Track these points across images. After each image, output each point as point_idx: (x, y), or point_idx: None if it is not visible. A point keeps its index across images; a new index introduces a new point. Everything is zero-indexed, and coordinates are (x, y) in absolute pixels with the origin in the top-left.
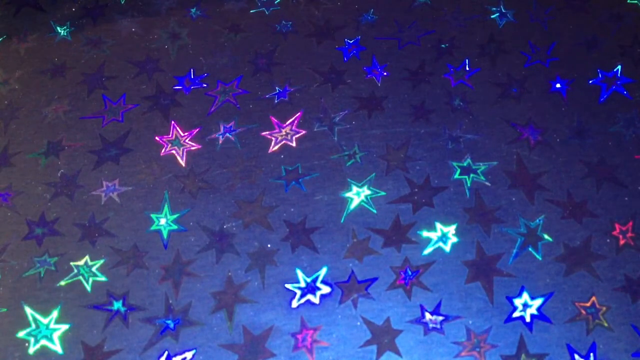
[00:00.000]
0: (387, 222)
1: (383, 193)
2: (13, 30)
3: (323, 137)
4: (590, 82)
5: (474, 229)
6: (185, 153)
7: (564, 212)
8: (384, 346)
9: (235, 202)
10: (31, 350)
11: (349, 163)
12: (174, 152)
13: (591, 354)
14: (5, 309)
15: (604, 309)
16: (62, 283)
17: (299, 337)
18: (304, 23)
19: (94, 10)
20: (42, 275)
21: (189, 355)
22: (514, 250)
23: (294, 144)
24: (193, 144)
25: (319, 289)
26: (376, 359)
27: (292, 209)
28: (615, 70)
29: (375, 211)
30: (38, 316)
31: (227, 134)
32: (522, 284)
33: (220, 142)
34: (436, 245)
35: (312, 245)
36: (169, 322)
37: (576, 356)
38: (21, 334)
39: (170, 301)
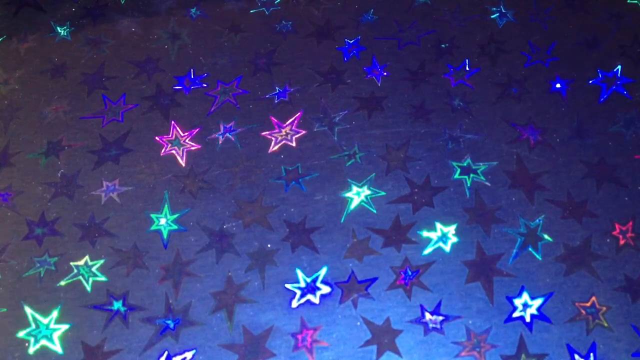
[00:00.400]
0: (387, 222)
1: (383, 193)
2: (13, 30)
3: (323, 137)
4: (590, 82)
5: (474, 229)
6: (185, 153)
7: (564, 212)
8: (384, 346)
9: (235, 202)
10: (31, 350)
11: (349, 163)
12: (174, 152)
13: (591, 354)
14: (5, 309)
15: (604, 309)
16: (62, 283)
17: (299, 337)
18: (304, 23)
19: (94, 10)
20: (42, 275)
21: (189, 355)
22: (514, 250)
23: (294, 144)
24: (193, 144)
25: (319, 289)
26: (376, 359)
27: (292, 209)
28: (615, 70)
29: (375, 211)
30: (38, 316)
31: (227, 134)
32: (522, 284)
33: (220, 142)
34: (436, 245)
35: (312, 245)
36: (169, 322)
37: (576, 356)
38: (21, 334)
39: (170, 301)
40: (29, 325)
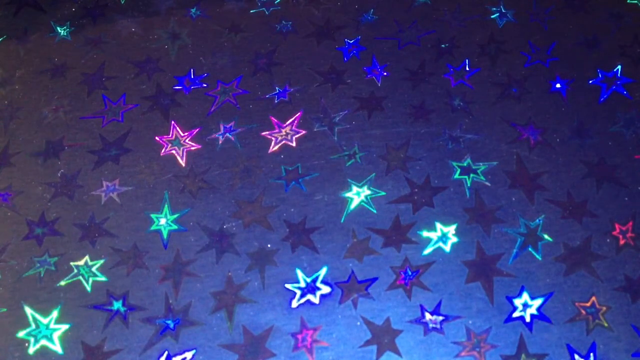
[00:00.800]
0: (387, 222)
1: (383, 193)
2: (13, 30)
3: (323, 137)
4: (590, 82)
5: (474, 229)
6: (185, 153)
7: (564, 212)
8: (384, 346)
9: (235, 202)
10: (31, 350)
11: (349, 163)
12: (174, 152)
13: (591, 354)
14: (5, 309)
15: (604, 309)
16: (62, 283)
17: (299, 337)
18: (304, 23)
19: (94, 10)
20: (42, 275)
21: (189, 355)
22: (514, 250)
23: (294, 144)
24: (193, 144)
25: (319, 289)
26: (376, 359)
27: (292, 209)
28: (615, 70)
29: (375, 211)
30: (38, 316)
31: (227, 134)
32: (522, 284)
33: (220, 142)
34: (436, 245)
35: (312, 245)
36: (169, 322)
37: (576, 356)
38: (21, 334)
39: (170, 301)
40: (29, 325)
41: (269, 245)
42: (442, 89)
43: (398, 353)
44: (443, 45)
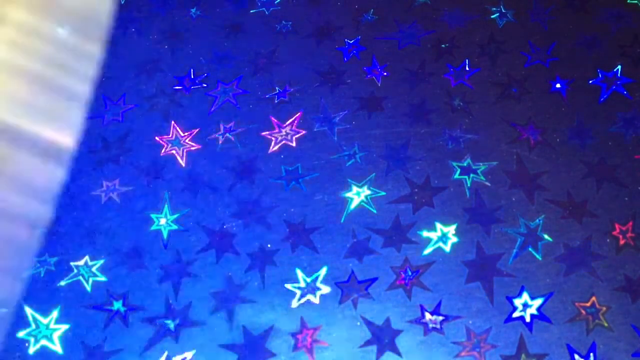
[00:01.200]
0: (387, 222)
1: (383, 193)
2: None
3: (323, 137)
4: (590, 82)
5: (474, 229)
6: (185, 153)
7: (564, 212)
8: (384, 346)
9: (235, 202)
10: (31, 350)
11: (349, 163)
12: (174, 152)
13: (591, 354)
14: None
15: (604, 309)
16: (62, 283)
17: (299, 337)
18: (304, 23)
19: None
20: (42, 275)
21: (189, 355)
22: (514, 250)
23: (294, 144)
24: (193, 144)
25: (319, 289)
26: (376, 359)
27: (292, 209)
28: (615, 70)
29: (375, 211)
30: (38, 316)
31: (227, 134)
32: (522, 284)
33: (220, 142)
34: (436, 245)
35: (312, 245)
36: (169, 322)
37: (576, 356)
38: (21, 334)
39: (170, 301)
40: (29, 325)
41: (269, 245)
42: (442, 89)
43: (398, 353)
44: (443, 45)
